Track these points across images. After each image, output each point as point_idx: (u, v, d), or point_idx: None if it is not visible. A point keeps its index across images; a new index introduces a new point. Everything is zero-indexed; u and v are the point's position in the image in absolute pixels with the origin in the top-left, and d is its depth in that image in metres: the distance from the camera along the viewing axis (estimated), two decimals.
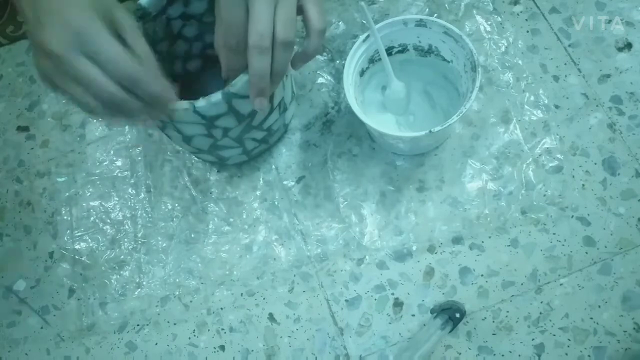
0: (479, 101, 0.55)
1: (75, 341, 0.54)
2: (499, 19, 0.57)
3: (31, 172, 0.60)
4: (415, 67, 0.53)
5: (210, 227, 0.55)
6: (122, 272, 0.55)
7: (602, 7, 0.56)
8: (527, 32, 0.57)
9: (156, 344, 0.52)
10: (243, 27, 0.37)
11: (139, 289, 0.54)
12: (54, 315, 0.55)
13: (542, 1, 0.58)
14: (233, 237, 0.54)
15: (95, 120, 0.61)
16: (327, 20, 0.40)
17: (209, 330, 0.52)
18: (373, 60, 0.51)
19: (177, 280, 0.54)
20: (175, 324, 0.53)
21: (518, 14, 0.58)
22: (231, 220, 0.55)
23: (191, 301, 0.53)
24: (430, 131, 0.44)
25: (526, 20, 0.57)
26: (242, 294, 0.52)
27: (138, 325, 0.53)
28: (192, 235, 0.55)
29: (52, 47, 0.34)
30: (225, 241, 0.54)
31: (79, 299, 0.55)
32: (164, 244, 0.55)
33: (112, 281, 0.55)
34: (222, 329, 0.52)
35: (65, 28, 0.34)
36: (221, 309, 0.52)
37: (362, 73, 0.51)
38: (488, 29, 0.57)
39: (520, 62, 0.56)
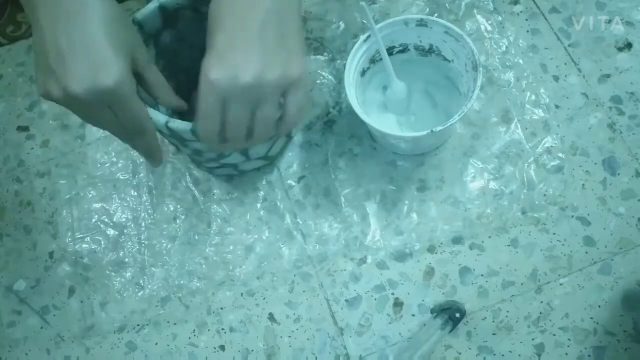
0: (480, 101, 0.55)
1: (75, 341, 0.54)
2: (499, 18, 0.57)
3: (31, 172, 0.60)
4: (416, 67, 0.53)
5: (212, 228, 0.55)
6: (124, 273, 0.55)
7: (602, 6, 0.56)
8: (527, 31, 0.57)
9: (156, 344, 0.52)
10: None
11: (141, 290, 0.54)
12: (54, 315, 0.55)
13: (542, 1, 0.58)
14: (235, 238, 0.54)
15: None
16: (303, 113, 0.39)
17: (209, 330, 0.52)
18: (374, 60, 0.51)
19: (182, 282, 0.53)
20: (175, 323, 0.53)
21: (518, 14, 0.58)
22: (233, 221, 0.55)
23: (191, 301, 0.53)
24: (432, 131, 0.44)
25: (526, 20, 0.57)
26: (242, 294, 0.52)
27: (138, 325, 0.53)
28: (196, 237, 0.55)
29: (76, 91, 0.34)
30: (228, 242, 0.54)
31: (79, 299, 0.55)
32: (168, 246, 0.55)
33: (113, 281, 0.55)
34: (222, 329, 0.52)
35: (96, 81, 0.34)
36: (221, 309, 0.52)
37: (363, 73, 0.51)
38: (489, 28, 0.57)
39: (520, 61, 0.56)
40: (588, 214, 0.50)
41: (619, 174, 0.51)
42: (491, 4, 0.58)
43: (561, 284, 0.49)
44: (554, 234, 0.50)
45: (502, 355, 0.48)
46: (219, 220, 0.55)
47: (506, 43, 0.56)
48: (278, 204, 0.54)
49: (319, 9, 0.61)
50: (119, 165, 0.59)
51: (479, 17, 0.58)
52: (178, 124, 0.42)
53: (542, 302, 0.48)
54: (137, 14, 0.45)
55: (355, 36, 0.59)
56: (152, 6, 0.45)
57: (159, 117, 0.42)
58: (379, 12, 0.60)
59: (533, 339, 0.48)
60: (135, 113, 0.38)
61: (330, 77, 0.58)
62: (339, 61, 0.58)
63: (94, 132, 0.60)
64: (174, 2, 0.46)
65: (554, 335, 0.47)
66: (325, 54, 0.59)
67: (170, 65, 0.51)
